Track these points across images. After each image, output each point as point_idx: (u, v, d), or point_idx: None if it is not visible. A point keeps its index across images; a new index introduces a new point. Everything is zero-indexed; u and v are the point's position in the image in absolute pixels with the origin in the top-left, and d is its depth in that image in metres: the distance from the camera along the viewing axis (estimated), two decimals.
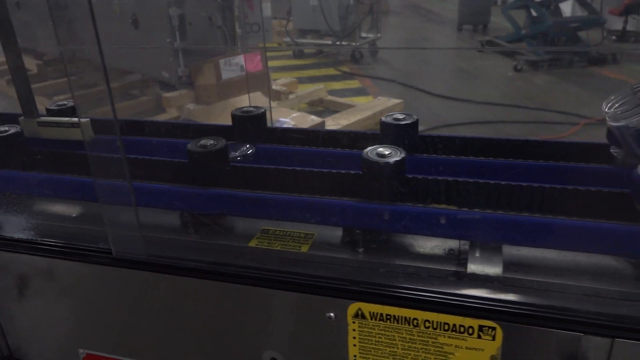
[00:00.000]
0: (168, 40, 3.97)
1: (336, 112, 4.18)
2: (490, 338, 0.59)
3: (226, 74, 4.03)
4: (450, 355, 0.62)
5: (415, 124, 0.85)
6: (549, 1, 5.58)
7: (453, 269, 0.68)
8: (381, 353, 0.65)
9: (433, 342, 0.62)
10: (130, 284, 0.72)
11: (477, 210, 0.70)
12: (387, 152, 0.72)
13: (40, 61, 5.27)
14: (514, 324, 0.58)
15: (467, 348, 0.61)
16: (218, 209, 0.78)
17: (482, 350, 0.60)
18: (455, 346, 0.61)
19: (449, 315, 0.60)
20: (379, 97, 4.33)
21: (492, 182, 0.71)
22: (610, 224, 0.63)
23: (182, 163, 0.80)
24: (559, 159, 0.81)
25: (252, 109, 0.92)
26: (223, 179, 0.79)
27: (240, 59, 4.10)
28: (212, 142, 0.79)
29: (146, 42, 4.14)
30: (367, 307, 0.63)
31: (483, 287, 0.63)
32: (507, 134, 4.09)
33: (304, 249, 0.75)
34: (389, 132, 0.85)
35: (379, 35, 6.15)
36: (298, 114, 3.63)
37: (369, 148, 0.73)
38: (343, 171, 0.74)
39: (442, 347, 0.62)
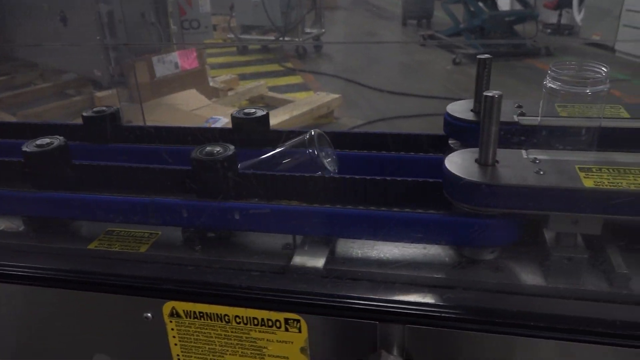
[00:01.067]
0: (97, 37, 3.86)
1: (276, 108, 4.16)
2: (297, 330, 0.60)
3: (160, 72, 3.95)
4: (264, 349, 0.62)
5: (264, 118, 0.85)
6: None
7: (281, 263, 0.69)
8: (201, 350, 0.65)
9: (247, 337, 0.62)
10: None
11: (307, 204, 0.71)
12: (216, 150, 0.71)
13: None
14: (315, 315, 0.59)
15: (278, 341, 0.61)
16: (50, 212, 0.76)
17: (292, 342, 0.61)
18: (267, 340, 0.62)
19: (256, 310, 0.60)
20: (318, 93, 4.34)
21: (317, 175, 0.71)
22: (420, 214, 0.64)
23: (18, 163, 0.77)
24: (402, 149, 0.83)
25: (104, 108, 0.90)
26: (59, 180, 0.76)
27: (174, 56, 4.02)
28: (48, 141, 0.77)
29: (76, 40, 4.01)
30: (181, 306, 0.63)
31: (298, 280, 0.63)
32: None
33: (143, 249, 0.74)
34: (239, 128, 0.84)
35: (323, 30, 6.15)
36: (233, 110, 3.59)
37: (200, 146, 0.72)
38: (177, 168, 0.73)
39: (255, 342, 0.62)
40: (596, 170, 0.60)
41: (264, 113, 0.85)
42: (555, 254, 0.64)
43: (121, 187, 0.75)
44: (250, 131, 0.85)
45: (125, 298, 0.64)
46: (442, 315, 0.57)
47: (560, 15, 6.36)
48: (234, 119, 0.85)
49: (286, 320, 0.60)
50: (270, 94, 4.57)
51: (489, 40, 5.41)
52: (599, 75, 0.68)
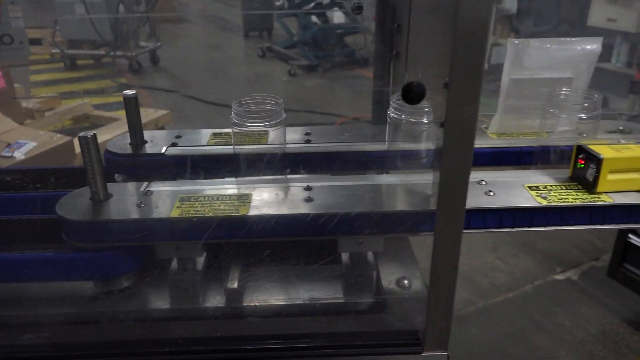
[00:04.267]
0: None
1: (102, 126, 3.96)
2: None
3: None
4: None
5: None
6: (317, 9, 5.99)
7: None
8: None
9: None
10: None
11: None
12: None
13: None
14: None
15: None
16: None
17: None
18: None
19: None
20: (146, 109, 4.22)
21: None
22: (39, 254, 0.66)
23: None
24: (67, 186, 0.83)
25: None
26: None
27: None
28: None
29: None
30: None
31: None
32: None
33: None
34: None
35: (159, 44, 6.00)
36: (43, 133, 3.35)
37: None
38: None
39: None
40: (193, 199, 0.66)
41: None
42: (174, 278, 0.69)
43: None
44: None
45: None
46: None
47: None
48: None
49: None
50: (96, 112, 4.33)
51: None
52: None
